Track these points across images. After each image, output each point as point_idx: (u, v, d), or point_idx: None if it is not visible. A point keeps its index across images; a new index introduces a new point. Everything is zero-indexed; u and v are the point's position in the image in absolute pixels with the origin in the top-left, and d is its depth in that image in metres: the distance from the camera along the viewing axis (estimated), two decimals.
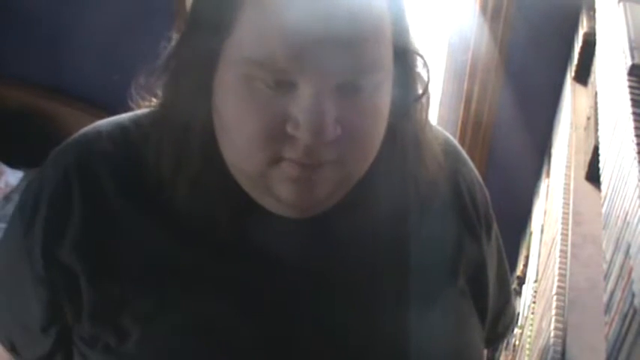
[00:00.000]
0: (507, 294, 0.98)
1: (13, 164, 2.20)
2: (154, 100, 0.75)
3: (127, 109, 0.79)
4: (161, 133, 0.72)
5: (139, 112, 0.78)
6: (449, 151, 0.84)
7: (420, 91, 0.74)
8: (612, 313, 0.67)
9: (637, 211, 0.65)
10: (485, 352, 0.94)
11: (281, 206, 0.69)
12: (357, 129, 0.65)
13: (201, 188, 0.70)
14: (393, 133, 0.72)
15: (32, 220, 0.74)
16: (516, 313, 1.08)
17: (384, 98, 0.68)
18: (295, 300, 0.72)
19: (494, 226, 0.90)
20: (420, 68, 0.73)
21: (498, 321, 0.96)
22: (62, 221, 0.73)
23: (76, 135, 0.78)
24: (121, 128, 0.77)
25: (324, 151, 0.64)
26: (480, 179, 0.89)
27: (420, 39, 0.73)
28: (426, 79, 0.74)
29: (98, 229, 0.73)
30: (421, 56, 0.73)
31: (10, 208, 2.03)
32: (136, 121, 0.77)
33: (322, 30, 0.61)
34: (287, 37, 0.61)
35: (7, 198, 2.11)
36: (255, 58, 0.62)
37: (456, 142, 0.89)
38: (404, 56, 0.70)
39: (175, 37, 0.71)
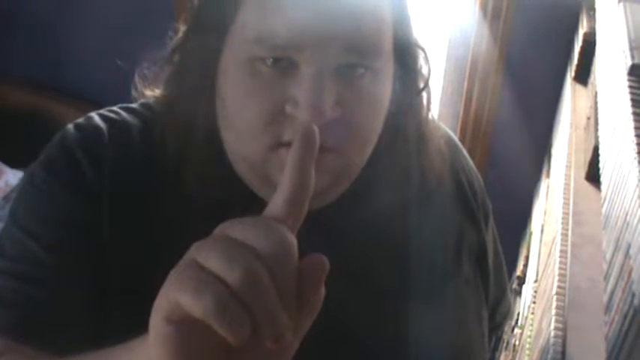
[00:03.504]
0: (504, 282, 0.99)
1: (13, 164, 2.20)
2: (156, 90, 0.75)
3: None
4: (164, 128, 0.72)
5: (147, 101, 0.78)
6: (449, 143, 0.85)
7: (422, 85, 0.74)
8: (612, 313, 0.67)
9: (637, 211, 0.65)
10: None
11: None
12: (355, 114, 0.66)
13: (206, 182, 0.70)
14: (395, 126, 0.72)
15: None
16: (513, 302, 1.09)
17: (383, 87, 0.68)
18: None
19: (490, 215, 0.91)
20: (421, 62, 0.73)
21: (496, 310, 0.97)
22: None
23: (93, 120, 0.79)
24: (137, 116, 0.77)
25: (322, 134, 0.65)
26: (475, 168, 0.90)
27: (420, 35, 0.73)
28: (427, 72, 0.74)
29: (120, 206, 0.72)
30: (422, 49, 0.73)
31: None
32: (148, 109, 0.77)
33: (322, 7, 0.62)
34: (287, 12, 0.62)
35: (7, 198, 2.11)
36: (256, 35, 0.63)
37: (451, 133, 0.90)
38: (405, 48, 0.70)
39: (180, 30, 0.72)
